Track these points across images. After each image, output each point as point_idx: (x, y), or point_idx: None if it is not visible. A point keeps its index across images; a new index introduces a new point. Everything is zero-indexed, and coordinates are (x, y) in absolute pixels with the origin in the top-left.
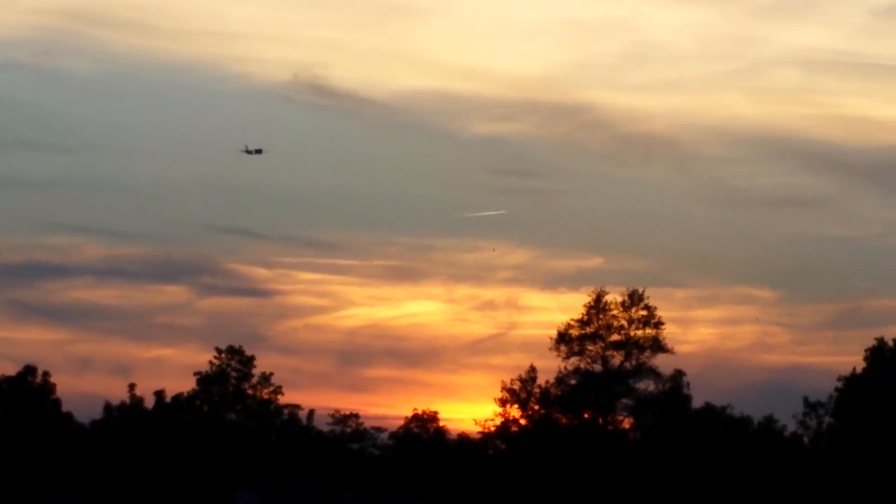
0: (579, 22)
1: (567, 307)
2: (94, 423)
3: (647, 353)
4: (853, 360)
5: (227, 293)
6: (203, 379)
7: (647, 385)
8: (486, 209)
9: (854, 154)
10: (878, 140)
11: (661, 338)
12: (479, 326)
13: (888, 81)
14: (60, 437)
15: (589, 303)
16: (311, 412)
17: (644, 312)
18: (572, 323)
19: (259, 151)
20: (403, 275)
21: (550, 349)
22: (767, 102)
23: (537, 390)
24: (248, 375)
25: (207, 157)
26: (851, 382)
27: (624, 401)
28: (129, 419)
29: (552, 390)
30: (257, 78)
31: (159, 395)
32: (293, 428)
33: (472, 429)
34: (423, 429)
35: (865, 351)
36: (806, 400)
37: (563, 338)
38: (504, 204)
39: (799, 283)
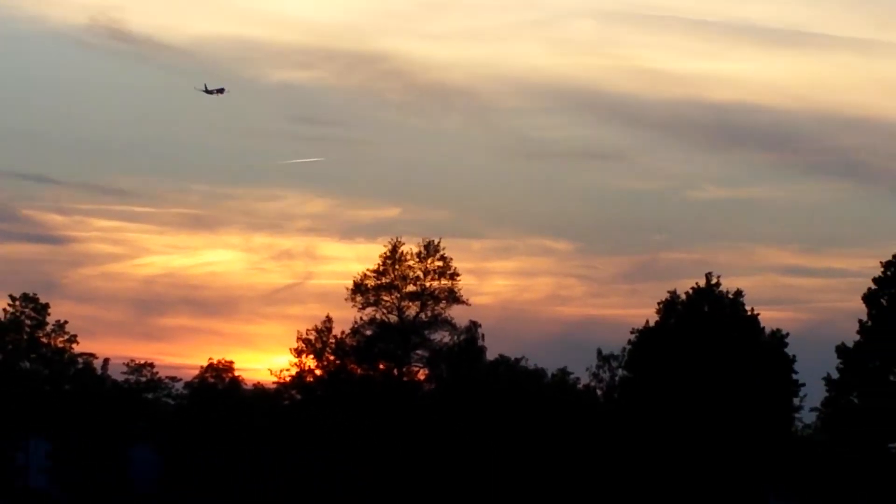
0: None
1: (364, 257)
2: None
3: (442, 305)
4: (647, 312)
5: (21, 240)
6: None
7: (442, 336)
8: (283, 158)
9: (651, 107)
10: (675, 93)
11: (456, 289)
12: (276, 276)
13: (685, 34)
14: None
15: (385, 253)
16: (106, 361)
17: (440, 263)
18: (368, 273)
19: (221, 91)
20: (200, 223)
21: (346, 299)
22: (565, 54)
23: (333, 341)
24: (43, 323)
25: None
26: (644, 335)
27: (419, 352)
28: None
29: (347, 341)
30: (53, 20)
31: None
32: (87, 377)
33: (268, 379)
34: (219, 378)
35: (658, 304)
36: (599, 352)
37: (358, 288)
38: (302, 153)
39: (595, 235)
